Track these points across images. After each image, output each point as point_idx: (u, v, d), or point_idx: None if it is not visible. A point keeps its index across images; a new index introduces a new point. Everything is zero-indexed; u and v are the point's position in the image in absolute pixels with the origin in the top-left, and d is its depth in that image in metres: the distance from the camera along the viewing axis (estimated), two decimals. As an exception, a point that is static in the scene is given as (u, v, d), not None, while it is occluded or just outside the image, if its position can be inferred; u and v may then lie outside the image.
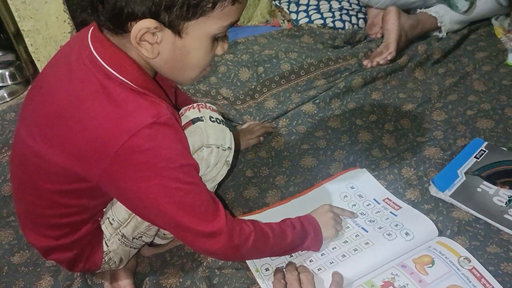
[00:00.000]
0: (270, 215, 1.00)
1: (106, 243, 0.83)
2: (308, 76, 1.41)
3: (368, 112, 1.27)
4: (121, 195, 0.71)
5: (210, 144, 0.77)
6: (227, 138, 0.80)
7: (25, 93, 1.51)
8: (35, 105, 0.71)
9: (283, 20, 1.79)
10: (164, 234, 0.90)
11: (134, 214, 0.78)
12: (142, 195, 0.66)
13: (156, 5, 0.59)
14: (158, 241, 0.93)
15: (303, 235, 0.84)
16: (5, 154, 1.15)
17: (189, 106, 0.80)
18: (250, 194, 1.07)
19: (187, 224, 0.68)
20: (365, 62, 1.43)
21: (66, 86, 0.66)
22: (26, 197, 0.77)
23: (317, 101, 1.31)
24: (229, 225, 0.72)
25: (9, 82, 1.52)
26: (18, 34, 1.40)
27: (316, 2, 1.74)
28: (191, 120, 0.77)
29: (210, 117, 0.78)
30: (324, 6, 1.71)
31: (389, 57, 1.42)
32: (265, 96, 1.36)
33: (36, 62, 1.44)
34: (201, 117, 0.77)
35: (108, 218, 0.81)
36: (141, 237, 0.84)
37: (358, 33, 1.60)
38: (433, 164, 1.07)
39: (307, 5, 1.74)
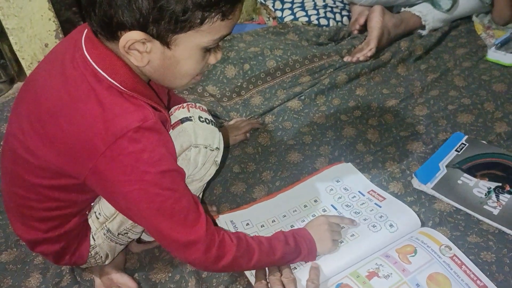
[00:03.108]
0: (257, 210, 1.02)
1: (92, 237, 0.83)
2: (294, 73, 1.43)
3: (353, 108, 1.30)
4: (106, 194, 0.73)
5: (198, 144, 0.78)
6: (216, 138, 0.81)
7: (10, 91, 1.50)
8: (28, 102, 0.72)
9: (268, 18, 1.81)
10: None
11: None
12: (124, 198, 0.68)
13: (144, 17, 0.60)
14: (145, 237, 0.94)
15: (296, 251, 0.83)
16: (-9, 153, 1.14)
17: (179, 106, 0.81)
18: (237, 189, 1.08)
19: (166, 231, 0.70)
20: (346, 58, 1.46)
21: (59, 86, 0.67)
22: (16, 190, 0.77)
23: (302, 97, 1.33)
24: (208, 236, 0.71)
25: (-7, 81, 1.51)
26: (3, 33, 1.38)
27: (300, 0, 1.76)
28: (180, 119, 0.78)
29: (199, 117, 0.80)
30: (308, 4, 1.73)
31: (368, 54, 1.44)
32: (251, 93, 1.38)
33: (21, 60, 1.43)
34: (190, 116, 0.79)
35: (95, 212, 0.82)
36: (127, 233, 0.85)
37: (342, 30, 1.62)
38: (415, 158, 1.10)
39: (292, 2, 1.75)
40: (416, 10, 1.60)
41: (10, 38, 1.37)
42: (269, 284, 0.81)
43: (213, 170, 0.86)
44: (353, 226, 0.93)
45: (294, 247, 0.83)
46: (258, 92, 1.38)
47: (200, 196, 0.95)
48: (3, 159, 0.79)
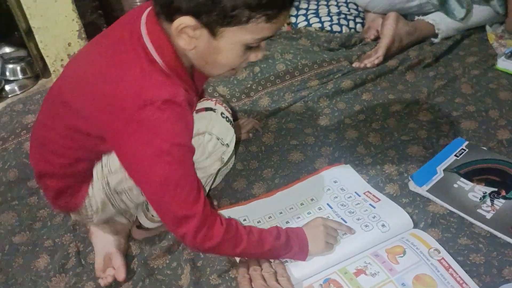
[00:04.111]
0: (255, 206, 1.05)
1: (92, 187, 0.89)
2: (302, 77, 1.47)
3: (357, 112, 1.32)
4: (121, 153, 0.79)
5: (212, 133, 0.86)
6: (229, 136, 0.89)
7: (35, 87, 1.60)
8: (79, 63, 0.83)
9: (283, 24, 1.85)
10: (152, 216, 0.96)
11: None
12: (138, 159, 0.75)
13: (198, 6, 0.68)
14: (146, 224, 0.99)
15: (286, 248, 0.86)
16: (12, 142, 1.23)
17: (209, 98, 0.90)
18: (238, 185, 1.12)
19: (166, 201, 0.75)
20: (355, 64, 1.49)
21: (111, 52, 0.77)
22: (47, 122, 0.86)
23: (307, 100, 1.36)
24: (203, 216, 0.76)
25: (20, 77, 1.61)
26: (30, 32, 1.48)
27: (315, 7, 1.80)
28: (205, 107, 0.88)
29: (222, 113, 0.88)
30: (323, 11, 1.77)
31: (376, 61, 1.47)
32: (259, 94, 1.42)
33: (45, 58, 1.52)
34: (215, 109, 0.88)
35: (102, 163, 0.88)
36: (122, 194, 0.90)
37: (354, 36, 1.65)
38: (414, 161, 1.12)
39: (307, 9, 1.80)
40: (430, 18, 1.62)
41: (36, 36, 1.46)
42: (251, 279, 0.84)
43: (217, 165, 0.91)
44: (350, 234, 0.93)
45: (285, 243, 0.85)
46: (266, 93, 1.43)
47: (206, 190, 1.00)
48: (46, 99, 0.88)
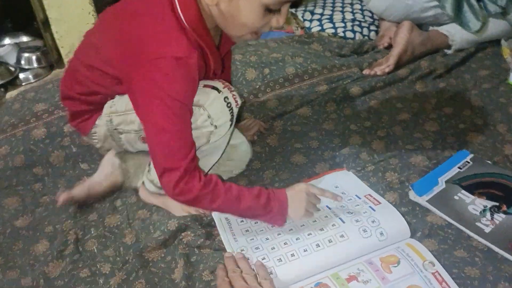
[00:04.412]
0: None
1: (99, 118, 0.99)
2: (311, 81, 1.47)
3: (364, 119, 1.32)
4: (131, 95, 0.87)
5: (206, 109, 0.88)
6: (222, 119, 0.90)
7: (48, 76, 1.64)
8: (113, 11, 0.90)
9: (297, 28, 1.86)
10: (152, 180, 1.02)
11: (128, 113, 0.94)
12: (144, 104, 0.83)
13: None
14: (147, 184, 1.05)
15: (265, 209, 0.90)
16: (21, 129, 1.25)
17: (222, 81, 0.93)
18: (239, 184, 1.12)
19: (158, 148, 0.84)
20: (365, 71, 1.48)
21: (140, 5, 0.84)
22: (80, 57, 0.96)
23: (313, 104, 1.36)
24: (185, 170, 0.82)
25: (35, 66, 1.65)
26: (46, 22, 1.51)
27: (330, 12, 1.80)
28: (213, 86, 0.90)
29: (226, 97, 0.90)
30: (337, 17, 1.77)
31: (386, 70, 1.46)
32: (267, 96, 1.43)
33: (60, 49, 1.56)
34: (220, 91, 0.90)
35: (113, 101, 0.97)
36: (122, 134, 0.99)
37: (366, 43, 1.65)
38: (417, 171, 1.11)
39: (321, 14, 1.80)
40: (444, 29, 1.61)
41: (52, 27, 1.49)
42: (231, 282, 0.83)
43: (202, 142, 0.93)
44: (336, 201, 0.98)
45: (264, 204, 0.89)
46: (274, 96, 1.43)
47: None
48: (84, 38, 0.97)
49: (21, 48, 1.70)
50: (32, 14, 1.64)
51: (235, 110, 0.93)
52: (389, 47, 1.61)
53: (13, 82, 1.60)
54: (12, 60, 1.65)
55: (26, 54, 1.65)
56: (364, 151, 1.19)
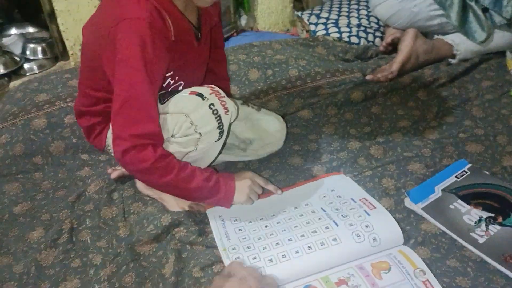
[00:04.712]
0: (247, 207, 1.04)
1: (109, 131, 1.00)
2: (314, 84, 1.47)
3: (364, 124, 1.32)
4: (107, 70, 0.89)
5: (188, 116, 0.88)
6: (206, 126, 0.89)
7: (52, 68, 1.64)
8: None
9: (302, 30, 1.86)
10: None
11: None
12: (113, 74, 0.85)
13: None
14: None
15: (212, 191, 0.94)
16: (21, 118, 1.26)
17: (212, 86, 0.93)
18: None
19: (113, 111, 0.85)
20: (368, 76, 1.48)
21: None
22: (80, 70, 1.03)
23: (314, 107, 1.36)
24: (134, 140, 0.82)
25: (40, 57, 1.66)
26: (53, 14, 1.52)
27: (336, 17, 1.80)
28: (198, 92, 0.90)
29: (211, 104, 0.89)
30: (343, 21, 1.77)
31: (389, 76, 1.46)
32: (269, 97, 1.43)
33: (65, 41, 1.56)
34: (206, 97, 0.89)
35: None
36: None
37: (370, 49, 1.65)
38: (414, 179, 1.11)
39: (327, 18, 1.80)
40: (450, 38, 1.60)
41: (58, 19, 1.50)
42: None
43: (190, 148, 0.92)
44: (276, 193, 1.04)
45: (212, 187, 0.93)
46: (276, 97, 1.43)
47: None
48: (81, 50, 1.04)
49: (27, 39, 1.71)
50: (39, 5, 1.65)
51: (225, 117, 0.91)
52: (392, 52, 1.61)
53: (18, 72, 1.62)
54: (17, 50, 1.67)
55: (31, 45, 1.66)
56: (362, 156, 1.19)
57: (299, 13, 1.88)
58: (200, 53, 1.00)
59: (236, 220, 1.02)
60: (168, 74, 0.94)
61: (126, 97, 0.83)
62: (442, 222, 0.98)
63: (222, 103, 0.91)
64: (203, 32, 0.99)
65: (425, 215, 1.00)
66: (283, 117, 1.34)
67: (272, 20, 1.91)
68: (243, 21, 1.96)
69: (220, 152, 1.03)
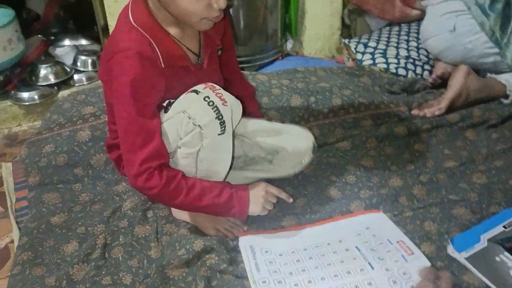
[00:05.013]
0: (280, 238, 1.03)
1: None
2: (357, 115, 1.44)
3: (406, 160, 1.27)
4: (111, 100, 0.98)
5: (186, 112, 0.90)
6: (204, 118, 0.90)
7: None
8: None
9: (348, 58, 1.84)
10: None
11: None
12: (115, 101, 0.93)
13: None
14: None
15: (226, 207, 0.95)
16: (67, 129, 1.29)
17: (209, 83, 0.94)
18: (268, 212, 1.10)
19: (120, 139, 0.93)
20: (414, 111, 1.44)
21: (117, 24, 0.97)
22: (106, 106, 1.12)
23: (354, 138, 1.33)
24: (140, 167, 0.88)
25: (90, 69, 1.72)
26: (106, 29, 1.57)
27: (384, 47, 1.77)
28: (193, 89, 0.93)
29: (206, 97, 0.90)
30: (391, 52, 1.73)
31: (436, 112, 1.41)
32: (310, 125, 1.40)
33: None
34: (199, 92, 0.91)
35: None
36: None
37: (418, 83, 1.60)
38: (458, 224, 1.05)
39: (375, 48, 1.77)
40: (503, 78, 1.54)
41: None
42: None
43: (196, 146, 0.92)
44: (288, 201, 1.05)
45: (224, 202, 0.95)
46: (317, 125, 1.41)
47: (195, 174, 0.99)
48: None
49: (79, 51, 1.77)
50: (94, 19, 1.71)
51: (223, 108, 0.90)
52: (440, 87, 1.56)
53: (67, 82, 1.67)
54: (69, 61, 1.73)
55: (82, 57, 1.72)
56: (403, 195, 1.15)
57: (346, 41, 1.86)
58: (202, 76, 1.00)
59: (266, 252, 1.00)
60: (172, 100, 0.95)
61: (124, 126, 0.90)
62: (487, 275, 0.92)
63: (218, 95, 0.92)
64: (205, 56, 1.00)
65: (469, 265, 0.94)
66: (322, 146, 1.32)
67: (319, 46, 1.90)
68: (289, 45, 1.96)
69: (233, 155, 1.00)
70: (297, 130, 1.10)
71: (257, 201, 0.99)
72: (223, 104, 0.91)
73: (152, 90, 0.91)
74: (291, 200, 1.05)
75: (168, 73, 0.93)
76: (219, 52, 1.07)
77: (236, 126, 0.99)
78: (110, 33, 1.01)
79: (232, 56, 1.15)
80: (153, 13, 0.90)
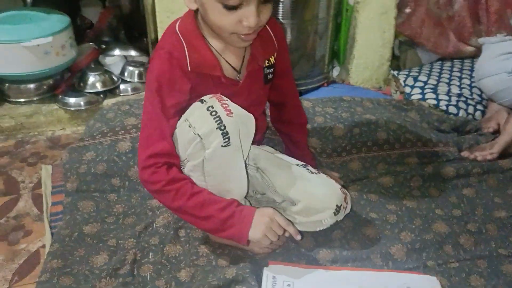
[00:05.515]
0: (308, 275, 0.98)
1: None
2: (402, 151, 1.38)
3: (453, 205, 1.20)
4: None
5: (187, 120, 0.91)
6: (203, 126, 0.87)
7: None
8: None
9: (396, 91, 1.78)
10: None
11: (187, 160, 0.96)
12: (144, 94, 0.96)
13: None
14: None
15: (224, 223, 0.90)
16: (109, 139, 1.30)
17: (217, 95, 0.93)
18: (304, 243, 1.06)
19: (140, 136, 0.94)
20: (464, 153, 1.37)
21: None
22: None
23: (398, 175, 1.27)
24: (147, 161, 0.88)
25: (136, 80, 1.74)
26: (156, 42, 1.59)
27: (435, 82, 1.71)
28: (200, 98, 0.92)
29: (210, 106, 0.88)
30: (442, 88, 1.67)
31: (488, 157, 1.34)
32: (352, 157, 1.36)
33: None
34: (204, 101, 0.91)
35: None
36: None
37: (470, 123, 1.53)
38: (507, 282, 0.97)
39: (425, 82, 1.71)
40: (562, 126, 1.45)
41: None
42: None
43: (200, 156, 0.90)
44: (296, 238, 0.94)
45: (225, 218, 0.90)
46: (359, 158, 1.36)
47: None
48: None
49: (127, 61, 1.80)
50: (145, 31, 1.74)
51: (227, 119, 0.86)
52: (495, 132, 1.48)
53: (113, 91, 1.70)
54: (117, 70, 1.76)
55: (130, 68, 1.74)
56: (449, 243, 1.07)
57: (395, 73, 1.81)
58: (238, 92, 0.98)
59: (288, 285, 0.95)
60: None
61: (145, 119, 0.93)
62: None
63: (224, 105, 0.88)
64: (245, 73, 0.98)
65: (519, 331, 0.86)
66: (362, 179, 1.27)
67: (366, 75, 1.85)
68: (335, 72, 1.93)
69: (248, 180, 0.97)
70: (322, 184, 0.99)
71: (259, 227, 0.90)
72: (227, 115, 0.87)
73: (175, 89, 0.92)
74: (299, 237, 0.94)
75: (194, 78, 0.93)
76: (270, 76, 1.05)
77: (250, 145, 0.95)
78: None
79: (287, 82, 1.13)
80: (199, 25, 0.93)
